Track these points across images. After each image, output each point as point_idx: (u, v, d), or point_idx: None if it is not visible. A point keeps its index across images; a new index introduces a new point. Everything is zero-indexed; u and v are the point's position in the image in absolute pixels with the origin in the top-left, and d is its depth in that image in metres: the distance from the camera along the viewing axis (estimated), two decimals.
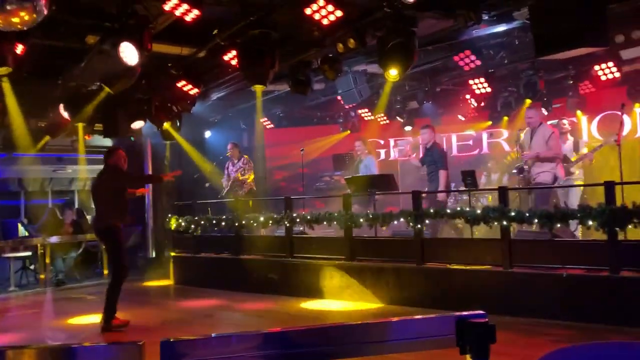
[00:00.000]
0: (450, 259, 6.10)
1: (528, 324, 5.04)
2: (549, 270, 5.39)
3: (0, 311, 7.19)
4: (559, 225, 5.50)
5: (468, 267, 5.89)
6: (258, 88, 6.71)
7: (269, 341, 1.96)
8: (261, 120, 11.15)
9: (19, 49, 5.31)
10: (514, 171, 7.89)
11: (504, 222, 5.67)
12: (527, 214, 5.57)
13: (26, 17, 3.71)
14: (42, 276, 8.97)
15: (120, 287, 5.59)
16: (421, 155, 8.74)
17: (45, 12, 3.96)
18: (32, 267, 9.64)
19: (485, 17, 5.88)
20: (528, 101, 8.56)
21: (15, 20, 3.75)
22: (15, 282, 8.94)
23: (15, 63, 5.67)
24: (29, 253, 9.28)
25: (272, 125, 11.81)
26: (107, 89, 6.45)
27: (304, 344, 2.05)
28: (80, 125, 8.49)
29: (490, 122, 10.29)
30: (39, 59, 6.90)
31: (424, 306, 5.89)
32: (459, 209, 6.31)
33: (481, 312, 2.17)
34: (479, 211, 5.94)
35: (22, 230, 11.98)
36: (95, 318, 5.80)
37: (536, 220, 5.57)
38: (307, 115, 12.01)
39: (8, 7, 3.64)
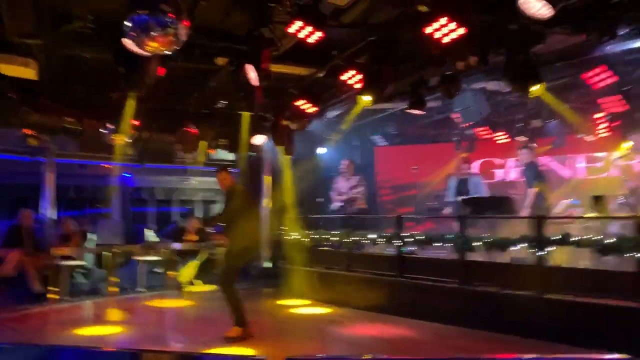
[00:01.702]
0: (576, 289, 5.66)
1: None
2: None
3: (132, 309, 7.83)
4: None
5: (594, 301, 5.42)
6: (364, 102, 6.79)
7: None
8: (374, 137, 11.22)
9: (159, 71, 5.81)
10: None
11: None
12: None
13: (168, 43, 4.07)
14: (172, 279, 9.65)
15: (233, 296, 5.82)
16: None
17: (185, 38, 4.30)
18: (158, 270, 10.40)
19: (622, 32, 5.46)
20: None
21: (159, 45, 4.12)
22: (144, 284, 9.69)
23: (155, 83, 6.24)
24: (156, 257, 10.03)
25: (385, 143, 11.82)
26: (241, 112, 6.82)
27: None
28: (202, 145, 9.11)
29: (624, 143, 9.48)
30: (173, 79, 7.53)
31: (543, 339, 5.51)
32: (587, 237, 5.85)
33: (625, 356, 1.99)
34: (611, 240, 5.48)
35: (148, 235, 13.02)
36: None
37: None
38: (420, 134, 11.87)
39: (154, 34, 4.02)
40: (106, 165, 12.92)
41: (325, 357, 1.73)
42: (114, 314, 7.15)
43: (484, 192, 8.63)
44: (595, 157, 10.45)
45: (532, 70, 5.52)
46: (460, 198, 8.43)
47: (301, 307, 7.81)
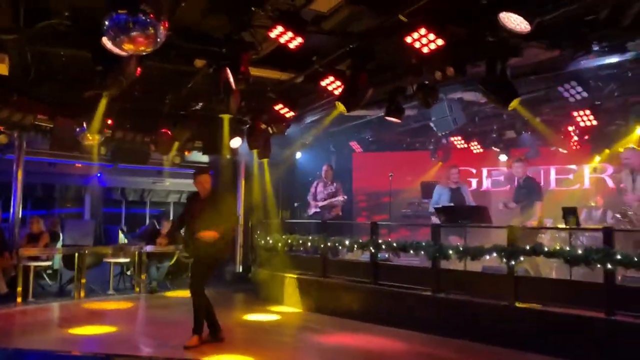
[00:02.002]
0: (544, 299, 5.77)
1: None
2: None
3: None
4: None
5: (564, 310, 5.53)
6: (348, 112, 6.80)
7: None
8: (351, 144, 11.28)
9: (136, 70, 5.73)
10: (617, 215, 7.41)
11: (609, 265, 5.29)
12: (636, 258, 5.16)
13: (148, 43, 4.00)
14: (138, 286, 9.49)
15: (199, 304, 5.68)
16: (514, 188, 8.51)
17: (163, 38, 4.24)
18: (128, 272, 10.23)
19: (596, 48, 5.59)
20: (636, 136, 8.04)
21: (138, 46, 4.05)
22: (114, 286, 9.51)
23: (130, 83, 6.15)
24: (127, 260, 9.87)
25: (360, 150, 11.88)
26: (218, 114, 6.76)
27: None
28: (175, 145, 8.97)
29: (595, 157, 9.74)
30: (149, 79, 7.43)
31: (514, 347, 5.59)
32: (558, 247, 5.95)
33: None
34: (580, 251, 5.59)
35: (121, 237, 12.82)
36: None
37: None
38: (396, 141, 11.96)
39: (133, 34, 3.94)
40: (77, 165, 12.70)
41: None
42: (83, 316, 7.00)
43: (472, 202, 8.68)
44: (566, 169, 10.69)
45: (509, 84, 5.61)
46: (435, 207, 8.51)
47: (274, 313, 7.77)
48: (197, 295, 5.65)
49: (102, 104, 7.61)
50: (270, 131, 8.84)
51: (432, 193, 9.87)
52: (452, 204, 8.40)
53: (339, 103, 6.51)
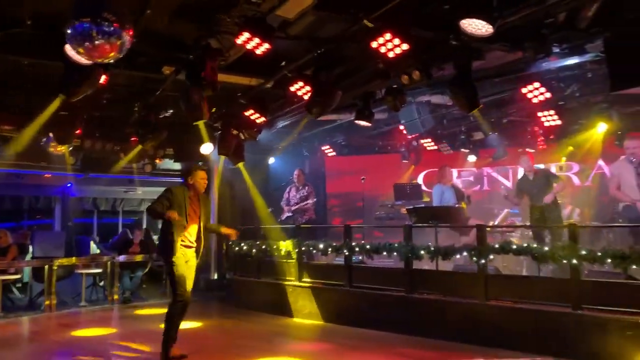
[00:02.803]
0: (515, 296, 5.89)
1: None
2: (623, 314, 5.09)
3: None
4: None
5: (533, 307, 5.66)
6: (319, 117, 6.83)
7: None
8: (324, 148, 11.34)
9: (102, 78, 5.68)
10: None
11: (574, 261, 5.43)
12: (600, 254, 5.31)
13: (112, 52, 3.99)
14: (115, 296, 9.36)
15: (171, 317, 5.27)
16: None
17: (128, 46, 4.22)
18: (101, 283, 10.08)
19: (556, 50, 5.76)
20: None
21: (102, 54, 4.03)
22: (86, 298, 9.36)
23: (97, 91, 6.10)
24: (99, 270, 9.72)
25: (333, 153, 11.95)
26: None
27: None
28: (139, 146, 8.85)
29: (561, 155, 10.00)
30: (116, 87, 7.37)
31: (486, 345, 5.69)
32: (526, 245, 6.09)
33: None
34: (547, 248, 5.73)
35: (93, 247, 12.61)
36: None
37: (609, 260, 5.30)
38: (368, 144, 12.06)
39: (96, 42, 3.92)
40: (47, 175, 12.47)
41: None
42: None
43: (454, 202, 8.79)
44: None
45: (473, 88, 5.73)
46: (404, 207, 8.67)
47: (249, 318, 7.75)
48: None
49: (54, 105, 7.27)
50: (242, 137, 8.83)
51: (405, 195, 10.03)
52: (429, 205, 8.56)
53: (309, 108, 6.56)
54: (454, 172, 11.75)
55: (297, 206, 9.79)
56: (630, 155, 7.17)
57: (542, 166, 8.13)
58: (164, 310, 5.35)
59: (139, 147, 8.50)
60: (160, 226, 5.59)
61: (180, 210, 5.21)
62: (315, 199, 9.91)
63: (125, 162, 9.93)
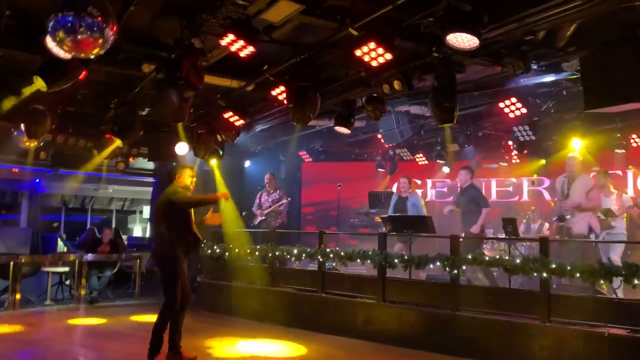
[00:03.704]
0: (485, 307, 5.98)
1: None
2: (591, 327, 5.22)
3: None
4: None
5: (504, 319, 5.75)
6: (301, 123, 6.81)
7: None
8: (300, 153, 11.34)
9: (81, 73, 5.57)
10: (554, 218, 7.83)
11: (544, 274, 5.55)
12: (569, 267, 5.44)
13: (95, 47, 3.91)
14: (82, 292, 9.15)
15: (168, 322, 5.13)
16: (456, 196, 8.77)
17: (111, 42, 4.15)
18: (67, 282, 9.83)
19: (534, 67, 5.90)
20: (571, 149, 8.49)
21: (84, 49, 3.95)
22: (51, 296, 9.12)
23: (73, 86, 5.97)
24: (66, 269, 9.48)
25: (310, 159, 11.96)
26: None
27: None
28: (117, 142, 8.67)
29: (534, 170, 10.22)
30: (93, 83, 7.22)
31: (456, 355, 5.75)
32: (497, 257, 6.19)
33: None
34: (518, 261, 5.84)
35: (60, 245, 12.32)
36: None
37: (578, 275, 5.43)
38: (345, 152, 12.12)
39: (79, 37, 3.85)
40: (14, 169, 12.13)
41: None
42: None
43: (423, 212, 8.77)
44: (506, 182, 11.12)
45: (452, 99, 5.81)
46: (379, 215, 8.71)
47: (220, 323, 7.66)
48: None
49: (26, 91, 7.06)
50: (220, 139, 8.77)
51: (380, 203, 10.09)
52: (397, 214, 8.56)
53: (294, 118, 6.51)
54: (429, 182, 11.89)
55: (270, 208, 9.76)
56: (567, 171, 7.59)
57: (513, 180, 8.29)
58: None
59: (115, 144, 8.31)
60: (157, 224, 5.35)
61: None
62: (286, 202, 9.87)
63: (100, 160, 9.72)
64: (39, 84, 5.62)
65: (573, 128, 8.38)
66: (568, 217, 7.38)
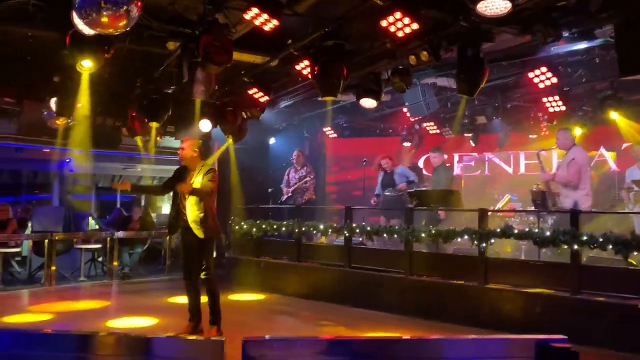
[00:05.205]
0: (515, 280, 5.93)
1: (598, 355, 4.80)
2: (621, 299, 5.14)
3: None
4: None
5: (533, 290, 5.71)
6: (328, 98, 6.74)
7: (342, 347, 1.98)
8: (325, 129, 11.28)
9: (108, 50, 5.62)
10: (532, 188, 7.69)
11: (575, 246, 5.47)
12: (601, 239, 5.34)
13: (120, 23, 3.93)
14: (114, 268, 9.38)
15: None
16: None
17: (136, 17, 4.17)
18: (99, 259, 10.09)
19: (566, 34, 5.71)
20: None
21: (109, 25, 3.98)
22: (85, 273, 9.37)
23: (101, 65, 6.02)
24: (98, 246, 9.73)
25: (334, 135, 11.89)
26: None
27: (372, 354, 2.06)
28: (153, 126, 8.78)
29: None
30: (120, 61, 7.27)
31: (484, 327, 5.74)
32: (527, 229, 6.11)
33: (562, 336, 2.10)
34: (548, 233, 5.75)
35: (92, 223, 12.59)
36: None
37: (610, 247, 5.33)
38: (369, 127, 12.01)
39: (104, 13, 3.87)
40: (46, 150, 12.39)
41: (281, 337, 1.74)
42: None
43: (413, 177, 9.03)
44: (535, 154, 10.88)
45: (480, 69, 5.69)
46: (387, 191, 8.97)
47: (249, 297, 7.78)
48: (211, 282, 5.33)
49: (84, 83, 7.28)
50: (245, 116, 8.78)
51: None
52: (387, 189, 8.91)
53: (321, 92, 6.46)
54: (455, 156, 11.74)
55: (296, 185, 9.77)
56: (557, 145, 7.55)
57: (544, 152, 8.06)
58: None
59: (153, 124, 8.42)
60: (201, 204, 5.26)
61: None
62: (313, 178, 9.88)
63: (129, 139, 9.83)
64: (70, 61, 5.71)
65: (606, 97, 8.12)
66: (534, 188, 7.46)
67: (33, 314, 6.48)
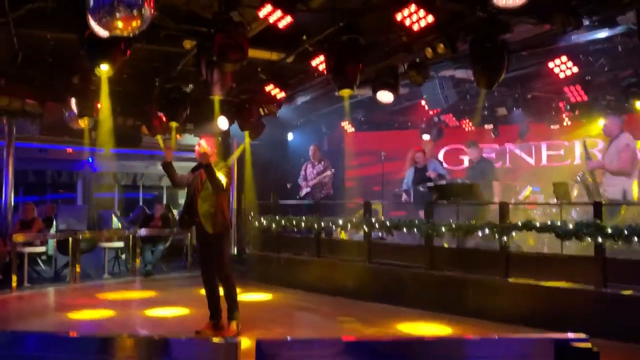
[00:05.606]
0: (537, 274, 5.84)
1: (625, 349, 4.71)
2: None
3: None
4: None
5: (556, 285, 5.61)
6: (345, 93, 6.70)
7: (359, 349, 1.97)
8: (343, 124, 11.25)
9: (125, 52, 5.67)
10: (577, 179, 7.51)
11: (599, 239, 5.35)
12: (626, 232, 5.22)
13: (134, 24, 3.96)
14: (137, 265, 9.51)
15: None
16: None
17: (150, 18, 4.19)
18: (123, 256, 10.25)
19: (586, 22, 5.58)
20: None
21: (124, 27, 4.00)
22: (108, 271, 9.53)
23: (118, 66, 6.08)
24: (121, 244, 9.88)
25: (352, 130, 11.85)
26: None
27: (389, 355, 2.05)
28: (173, 125, 8.86)
29: (588, 132, 9.77)
30: (137, 62, 7.34)
31: (506, 322, 5.67)
32: (549, 222, 6.00)
33: (582, 335, 2.06)
34: (571, 226, 5.64)
35: (115, 222, 12.80)
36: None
37: (635, 239, 5.20)
38: (387, 120, 11.94)
39: (118, 15, 3.90)
40: (69, 150, 12.62)
41: (296, 339, 1.74)
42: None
43: (444, 171, 8.95)
44: (557, 145, 10.72)
45: (499, 61, 5.58)
46: (421, 186, 8.72)
47: (268, 293, 7.82)
48: (227, 280, 5.36)
49: (104, 85, 7.40)
50: (262, 112, 8.80)
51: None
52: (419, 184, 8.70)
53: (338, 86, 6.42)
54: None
55: (315, 180, 9.76)
56: (603, 132, 7.41)
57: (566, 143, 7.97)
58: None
59: (172, 123, 8.51)
60: (212, 199, 5.27)
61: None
62: (331, 173, 9.84)
63: (149, 138, 9.95)
64: (89, 65, 5.78)
65: (629, 86, 7.92)
66: (578, 176, 7.28)
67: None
